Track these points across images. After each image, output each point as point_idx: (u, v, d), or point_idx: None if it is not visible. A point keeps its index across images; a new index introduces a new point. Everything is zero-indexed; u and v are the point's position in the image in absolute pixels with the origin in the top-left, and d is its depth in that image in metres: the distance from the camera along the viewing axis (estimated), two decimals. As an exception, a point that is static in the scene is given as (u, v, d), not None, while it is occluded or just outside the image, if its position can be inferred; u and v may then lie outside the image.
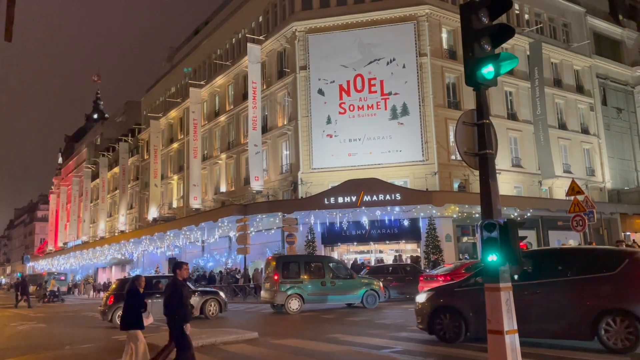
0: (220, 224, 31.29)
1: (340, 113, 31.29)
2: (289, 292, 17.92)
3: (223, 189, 39.83)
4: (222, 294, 18.71)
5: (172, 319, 7.56)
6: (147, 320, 8.32)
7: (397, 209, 27.21)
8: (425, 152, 30.21)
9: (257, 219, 29.46)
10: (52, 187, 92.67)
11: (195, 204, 39.93)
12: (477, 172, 6.47)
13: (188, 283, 8.61)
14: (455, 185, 30.75)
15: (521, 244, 11.49)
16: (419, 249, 28.58)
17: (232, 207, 30.53)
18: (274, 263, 18.81)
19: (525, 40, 35.70)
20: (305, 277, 18.52)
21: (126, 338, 8.36)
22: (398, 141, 30.28)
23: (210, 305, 17.68)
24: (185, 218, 37.15)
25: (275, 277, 18.17)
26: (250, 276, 28.71)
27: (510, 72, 32.75)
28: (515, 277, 8.87)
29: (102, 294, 39.50)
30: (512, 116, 35.15)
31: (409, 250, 29.60)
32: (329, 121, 31.37)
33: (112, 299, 16.31)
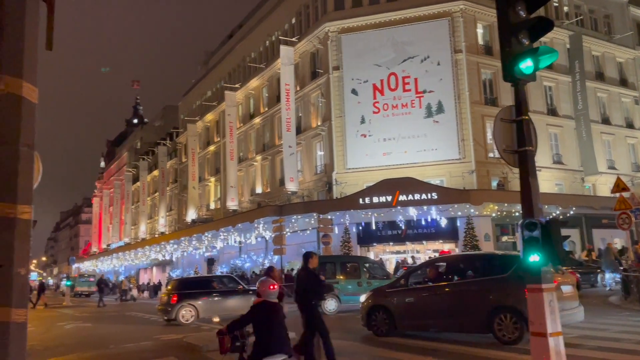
0: (256, 225, 31.62)
1: (374, 112, 31.11)
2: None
3: (259, 190, 40.22)
4: None
5: (307, 307, 7.81)
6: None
7: (433, 208, 26.84)
8: (462, 150, 29.69)
9: (293, 220, 29.62)
10: (96, 191, 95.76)
11: (232, 205, 40.48)
12: (516, 170, 6.30)
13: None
14: (494, 184, 30.09)
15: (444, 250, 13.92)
16: (456, 249, 28.11)
17: (267, 208, 30.80)
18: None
19: (565, 33, 34.61)
20: (341, 277, 18.48)
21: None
22: (433, 139, 29.87)
23: None
24: (223, 219, 37.70)
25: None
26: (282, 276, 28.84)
27: (550, 67, 31.82)
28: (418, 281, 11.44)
29: (145, 294, 40.62)
30: (552, 112, 34.14)
31: (446, 250, 29.12)
32: (363, 121, 31.24)
33: (175, 298, 16.82)
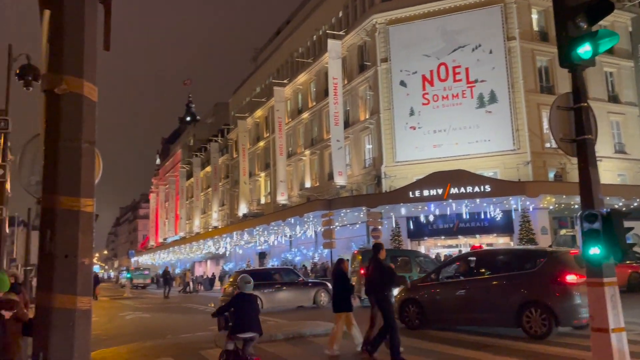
0: (306, 219, 31.88)
1: (423, 104, 30.60)
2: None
3: (308, 184, 40.49)
4: (329, 285, 19.42)
5: (381, 297, 8.04)
6: (355, 302, 8.89)
7: (486, 201, 26.14)
8: (517, 140, 28.74)
9: (342, 214, 29.64)
10: (152, 187, 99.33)
11: (281, 199, 40.97)
12: (575, 160, 6.05)
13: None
14: (551, 175, 28.97)
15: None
16: (511, 243, 27.29)
17: (317, 202, 30.98)
18: (360, 257, 18.83)
19: (627, 16, 32.73)
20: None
21: (336, 320, 8.86)
22: (486, 130, 29.06)
23: (321, 295, 18.73)
24: (273, 214, 38.25)
25: (362, 272, 18.18)
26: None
27: (610, 51, 30.16)
28: (449, 275, 11.44)
29: (201, 287, 41.90)
30: (614, 98, 32.42)
31: (500, 244, 28.34)
32: (412, 113, 30.79)
33: None
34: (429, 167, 28.12)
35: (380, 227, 26.70)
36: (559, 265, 9.62)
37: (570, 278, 9.32)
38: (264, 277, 18.80)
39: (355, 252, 20.61)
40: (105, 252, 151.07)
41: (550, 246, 14.80)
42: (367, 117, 33.45)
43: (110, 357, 9.84)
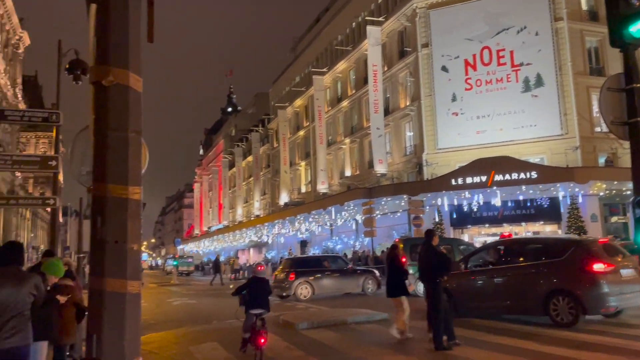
0: (346, 208, 31.88)
1: (466, 89, 29.91)
2: (417, 275, 17.77)
3: (348, 173, 40.42)
4: (377, 272, 19.59)
5: (433, 284, 8.16)
6: (410, 287, 9.05)
7: (533, 188, 25.39)
8: (564, 125, 27.72)
9: (383, 202, 29.48)
10: (196, 177, 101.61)
11: (322, 188, 41.11)
12: (627, 144, 5.78)
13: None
14: (601, 160, 27.84)
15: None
16: (559, 231, 26.45)
17: (357, 191, 30.91)
18: (402, 245, 18.68)
19: (687, -11, 30.80)
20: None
21: (393, 305, 9.11)
22: (532, 115, 28.16)
23: (369, 283, 18.96)
24: (314, 202, 38.44)
25: (403, 260, 18.06)
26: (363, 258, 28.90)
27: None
28: (478, 264, 11.51)
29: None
30: (671, 79, 30.69)
31: (547, 232, 27.53)
32: (454, 99, 30.16)
33: (293, 276, 18.06)
34: (472, 154, 27.53)
35: (421, 215, 26.42)
36: (586, 254, 9.60)
37: (598, 267, 9.27)
38: (314, 264, 19.38)
39: (397, 240, 20.49)
40: (153, 240, 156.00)
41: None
42: (408, 104, 32.99)
43: (158, 341, 10.21)
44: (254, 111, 73.00)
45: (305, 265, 19.11)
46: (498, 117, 28.85)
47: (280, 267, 20.76)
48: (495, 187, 25.41)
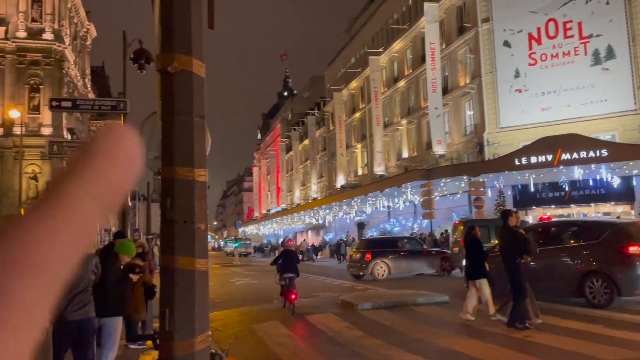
0: (404, 190, 31.54)
1: (530, 65, 28.59)
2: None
3: (405, 154, 39.90)
4: (449, 252, 20.15)
5: (512, 265, 8.09)
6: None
7: (603, 166, 24.06)
8: (638, 99, 25.98)
9: (442, 183, 28.92)
10: (254, 161, 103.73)
11: (379, 170, 40.86)
12: None
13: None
14: (680, 136, 25.92)
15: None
16: (632, 211, 24.99)
17: (415, 172, 30.48)
18: (462, 227, 18.35)
19: None
20: (496, 242, 17.70)
21: (470, 287, 9.15)
22: (602, 90, 26.56)
23: (443, 264, 19.32)
24: (370, 185, 38.30)
25: (462, 242, 17.75)
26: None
27: None
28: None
29: (304, 257, 43.55)
30: None
31: (619, 212, 26.06)
32: (517, 75, 28.93)
33: (369, 255, 18.63)
34: (536, 132, 26.38)
35: (483, 196, 25.72)
36: (622, 236, 9.70)
37: (634, 249, 9.30)
38: (390, 245, 19.86)
39: (457, 222, 20.16)
40: (215, 223, 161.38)
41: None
42: (468, 82, 31.98)
43: (223, 319, 10.63)
44: (309, 94, 73.27)
45: (381, 246, 19.64)
46: (565, 93, 27.43)
47: (356, 247, 21.17)
48: (562, 167, 24.29)
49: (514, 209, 9.26)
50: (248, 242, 61.19)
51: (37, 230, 0.27)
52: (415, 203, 32.97)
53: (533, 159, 24.85)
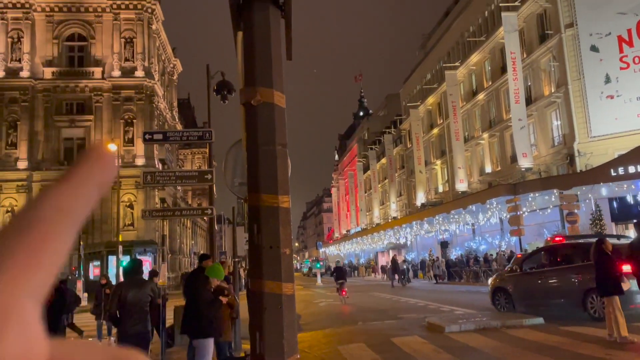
0: (489, 206, 30.31)
1: (621, 69, 26.74)
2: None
3: (488, 169, 38.49)
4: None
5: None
6: (625, 286, 8.83)
7: None
8: None
9: (529, 198, 27.46)
10: (332, 182, 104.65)
11: (461, 186, 39.68)
12: None
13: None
14: None
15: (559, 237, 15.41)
16: None
17: (500, 187, 29.23)
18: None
19: None
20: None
21: (606, 304, 8.93)
22: None
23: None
24: (452, 202, 37.22)
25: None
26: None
27: None
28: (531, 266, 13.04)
29: (384, 276, 42.84)
30: None
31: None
32: (607, 80, 27.13)
33: None
34: (633, 140, 24.44)
35: (576, 210, 24.13)
36: (617, 256, 10.44)
37: (625, 267, 9.80)
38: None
39: (549, 239, 19.00)
40: (297, 244, 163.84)
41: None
42: (553, 90, 30.43)
43: (309, 340, 10.71)
44: (385, 113, 73.09)
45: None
46: (664, 96, 25.30)
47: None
48: (665, 176, 22.27)
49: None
50: (321, 262, 61.61)
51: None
52: (502, 219, 31.57)
53: (631, 169, 23.00)
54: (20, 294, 0.27)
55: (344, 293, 20.09)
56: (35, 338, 0.27)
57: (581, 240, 15.21)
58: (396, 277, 33.85)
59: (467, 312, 14.19)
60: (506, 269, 15.24)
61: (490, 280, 14.46)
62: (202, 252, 62.15)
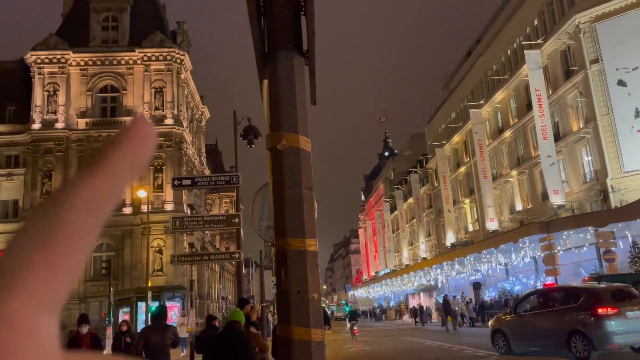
0: (521, 245, 29.50)
1: (651, 102, 26.29)
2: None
3: (519, 207, 37.72)
4: None
5: None
6: None
7: None
8: None
9: (564, 236, 26.64)
10: (359, 222, 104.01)
11: (491, 225, 38.88)
12: None
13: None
14: None
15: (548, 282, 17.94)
16: None
17: (532, 226, 28.50)
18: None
19: None
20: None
21: None
22: None
23: None
24: (483, 241, 36.38)
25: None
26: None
27: None
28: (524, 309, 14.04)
29: (417, 320, 41.73)
30: None
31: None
32: (637, 114, 26.70)
33: None
34: (669, 174, 23.75)
35: (613, 248, 23.27)
36: (594, 299, 11.57)
37: (602, 311, 11.05)
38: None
39: (586, 278, 18.31)
40: (325, 287, 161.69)
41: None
42: (582, 126, 30.02)
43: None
44: (410, 153, 73.06)
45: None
46: (699, 128, 24.66)
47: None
48: None
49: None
50: (344, 305, 60.25)
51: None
52: (536, 258, 30.61)
53: (670, 204, 22.20)
54: (38, 310, 0.25)
55: (355, 331, 26.25)
56: (51, 355, 0.25)
57: (569, 284, 16.91)
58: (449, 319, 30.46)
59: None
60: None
61: (490, 322, 15.61)
62: (230, 296, 61.64)
